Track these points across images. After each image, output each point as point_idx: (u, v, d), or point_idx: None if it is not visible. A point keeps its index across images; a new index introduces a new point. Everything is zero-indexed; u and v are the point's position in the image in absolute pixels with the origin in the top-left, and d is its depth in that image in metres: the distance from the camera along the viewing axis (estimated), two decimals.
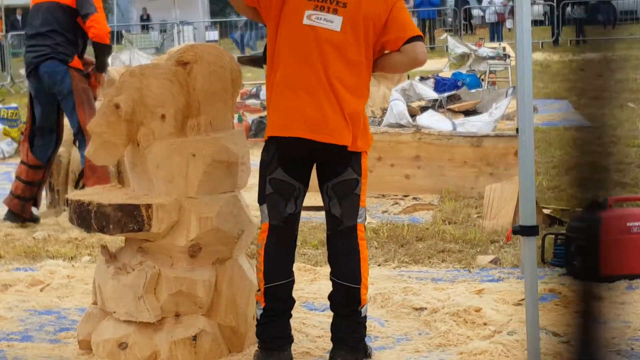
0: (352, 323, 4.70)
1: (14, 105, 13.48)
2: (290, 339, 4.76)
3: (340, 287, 4.71)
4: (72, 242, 7.44)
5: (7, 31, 26.99)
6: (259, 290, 4.70)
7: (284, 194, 4.69)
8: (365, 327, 4.78)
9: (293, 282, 4.79)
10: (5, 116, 12.76)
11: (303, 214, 8.03)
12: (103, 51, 8.12)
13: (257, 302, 4.72)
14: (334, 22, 4.58)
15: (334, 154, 4.60)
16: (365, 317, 4.76)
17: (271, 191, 4.71)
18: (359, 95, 4.66)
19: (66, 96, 8.02)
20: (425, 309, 5.43)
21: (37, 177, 8.21)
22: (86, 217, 4.74)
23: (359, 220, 4.72)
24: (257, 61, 5.30)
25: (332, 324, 4.76)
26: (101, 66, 8.16)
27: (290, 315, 4.79)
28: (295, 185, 4.69)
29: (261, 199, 4.77)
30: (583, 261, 5.93)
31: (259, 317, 4.69)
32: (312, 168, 4.74)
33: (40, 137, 8.22)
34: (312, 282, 6.13)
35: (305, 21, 4.58)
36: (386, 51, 4.71)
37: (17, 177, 8.26)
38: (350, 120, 4.57)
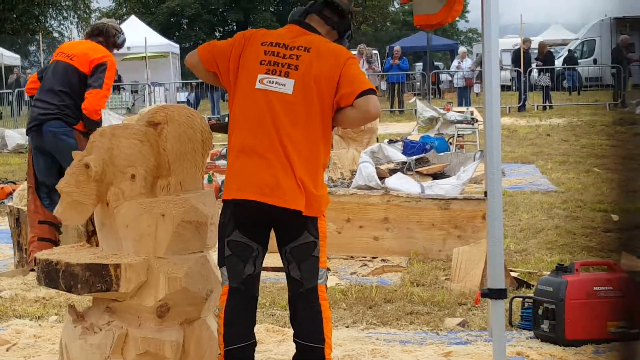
0: None
1: None
2: None
3: (304, 347, 4.70)
4: (40, 302, 7.37)
5: None
6: (219, 353, 4.67)
7: (241, 256, 4.70)
8: None
9: (254, 344, 4.76)
10: None
11: (272, 274, 8.04)
12: (91, 125, 8.13)
13: None
14: (286, 85, 4.63)
15: (288, 217, 4.60)
16: None
17: (229, 253, 4.70)
18: (313, 157, 4.66)
19: (69, 157, 8.02)
20: None
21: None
22: (54, 277, 4.70)
23: (319, 282, 4.71)
24: (222, 127, 5.32)
25: None
26: None
27: None
28: (252, 246, 4.70)
29: (221, 262, 4.76)
30: (550, 324, 5.94)
31: None
32: (269, 230, 4.75)
33: (47, 195, 8.19)
34: (281, 343, 6.09)
35: (258, 85, 4.64)
36: (341, 107, 4.72)
37: (40, 239, 8.16)
38: (302, 184, 4.58)
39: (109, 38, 8.42)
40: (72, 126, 8.06)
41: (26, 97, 34.25)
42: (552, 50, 35.31)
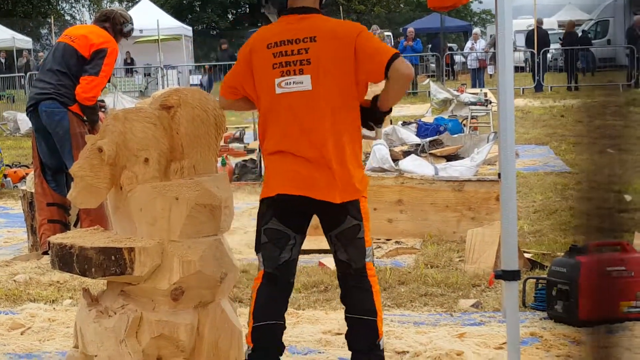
0: (373, 357, 4.76)
1: None
2: None
3: (358, 321, 4.77)
4: (54, 285, 7.40)
5: None
6: (247, 331, 4.78)
7: (277, 243, 4.77)
8: None
9: (283, 326, 4.83)
10: None
11: None
12: (85, 110, 8.14)
13: (246, 343, 4.78)
14: (303, 82, 4.66)
15: (328, 207, 4.67)
16: (383, 350, 4.82)
17: (266, 240, 4.78)
18: (344, 143, 4.68)
19: (62, 137, 8.05)
20: (408, 352, 5.42)
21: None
22: (68, 261, 4.72)
23: (367, 260, 4.81)
24: None
25: None
26: (90, 122, 8.18)
27: None
28: (289, 234, 4.77)
29: (257, 248, 4.85)
30: (564, 305, 5.94)
31: (246, 358, 4.73)
32: (308, 219, 4.82)
33: (52, 176, 8.23)
34: (295, 326, 6.11)
35: (278, 90, 4.69)
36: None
37: (50, 221, 8.21)
38: (336, 174, 4.64)
39: (116, 25, 8.41)
40: (66, 106, 8.05)
41: None
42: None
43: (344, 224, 4.74)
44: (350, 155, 4.72)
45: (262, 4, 4.99)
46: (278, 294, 4.81)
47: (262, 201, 4.84)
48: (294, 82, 4.66)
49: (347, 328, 4.86)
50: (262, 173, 12.99)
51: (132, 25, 8.59)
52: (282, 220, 4.74)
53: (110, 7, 8.62)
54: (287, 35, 4.71)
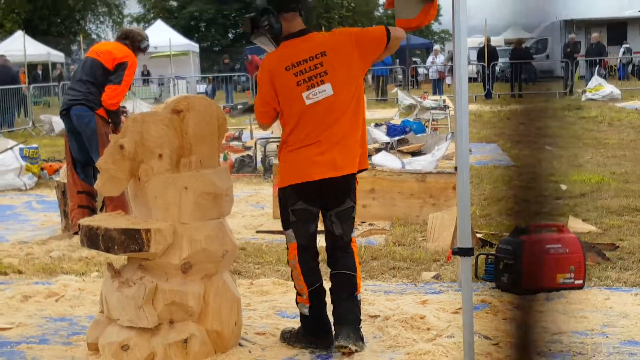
0: (351, 305, 4.82)
1: (34, 145, 13.39)
2: (330, 327, 4.89)
3: (341, 275, 4.87)
4: (83, 261, 7.38)
5: (29, 83, 26.84)
6: (299, 294, 4.89)
7: (306, 219, 4.86)
8: (360, 312, 4.88)
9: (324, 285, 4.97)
10: (28, 155, 12.66)
11: (278, 237, 8.05)
12: (110, 114, 8.14)
13: (300, 304, 4.91)
14: (326, 90, 4.73)
15: (339, 185, 4.79)
16: (360, 301, 4.89)
17: (295, 219, 4.85)
18: (358, 125, 4.81)
19: (90, 137, 8.04)
20: (379, 316, 5.42)
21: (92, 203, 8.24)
22: (95, 240, 4.71)
23: (353, 235, 4.98)
24: (250, 109, 5.34)
25: (334, 310, 4.86)
26: (114, 123, 8.17)
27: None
28: (313, 210, 4.87)
29: (286, 225, 4.91)
30: (509, 277, 5.96)
31: (307, 313, 4.86)
32: (324, 197, 4.87)
33: (82, 169, 8.22)
34: (285, 294, 6.11)
35: (307, 102, 4.72)
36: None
37: (80, 206, 8.17)
38: (355, 152, 4.79)
39: (134, 42, 8.39)
40: (94, 111, 8.06)
41: None
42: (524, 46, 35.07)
43: (344, 205, 4.87)
44: (362, 136, 4.87)
45: (251, 34, 4.94)
46: (313, 260, 4.93)
47: (286, 188, 4.83)
48: (319, 92, 4.71)
49: (330, 285, 4.93)
50: (258, 167, 12.99)
51: (148, 42, 8.57)
52: (306, 202, 4.81)
53: (129, 27, 8.66)
54: (300, 56, 4.75)
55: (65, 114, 8.23)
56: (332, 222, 4.91)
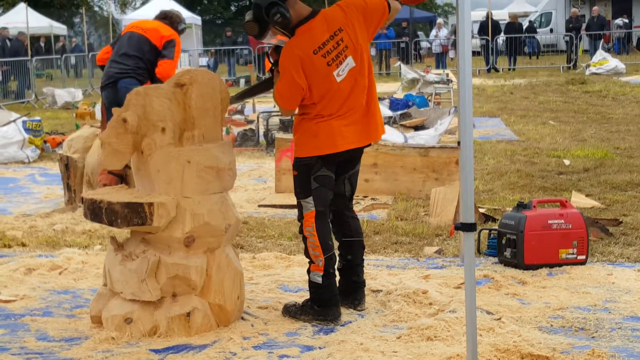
0: (363, 268, 5.22)
1: (37, 118, 13.39)
2: (339, 300, 4.99)
3: (357, 243, 5.16)
4: (86, 234, 7.40)
5: (32, 56, 26.77)
6: (311, 262, 4.93)
7: (327, 185, 4.98)
8: None
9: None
10: (31, 127, 12.66)
11: (280, 210, 8.05)
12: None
13: (313, 272, 4.94)
14: (349, 63, 4.90)
15: (356, 153, 5.04)
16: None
17: (317, 186, 4.94)
18: (375, 93, 5.03)
19: None
20: (381, 291, 5.43)
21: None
22: (98, 213, 4.72)
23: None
24: (267, 85, 5.29)
25: (352, 277, 5.16)
26: None
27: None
28: (332, 177, 5.00)
29: (305, 194, 4.96)
30: (512, 252, 5.96)
31: (320, 282, 4.91)
32: (343, 160, 5.04)
33: None
34: (287, 269, 6.12)
35: (338, 79, 4.87)
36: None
37: (110, 172, 8.17)
38: (378, 120, 5.04)
39: (174, 23, 8.66)
40: (142, 83, 8.19)
41: (72, 61, 34.14)
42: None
43: (356, 168, 5.13)
44: (378, 103, 5.11)
45: (260, 37, 5.00)
46: (329, 227, 5.03)
47: (311, 157, 4.90)
48: (345, 66, 4.87)
49: (344, 249, 5.15)
50: (261, 140, 12.97)
51: (185, 25, 8.87)
52: (329, 168, 4.93)
53: (167, 10, 8.86)
54: (322, 38, 4.85)
55: (111, 86, 8.31)
56: (344, 185, 5.12)
